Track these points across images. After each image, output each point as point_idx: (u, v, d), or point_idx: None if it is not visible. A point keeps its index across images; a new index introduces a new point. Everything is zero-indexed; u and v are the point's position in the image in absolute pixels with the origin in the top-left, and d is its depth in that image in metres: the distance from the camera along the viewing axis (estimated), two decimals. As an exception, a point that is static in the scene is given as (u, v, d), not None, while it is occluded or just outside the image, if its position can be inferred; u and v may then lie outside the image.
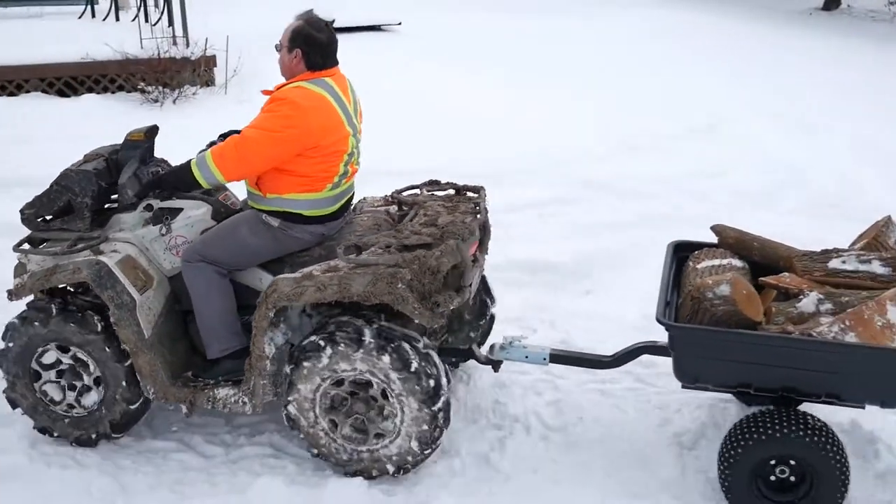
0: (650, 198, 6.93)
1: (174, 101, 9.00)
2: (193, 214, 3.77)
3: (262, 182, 3.66)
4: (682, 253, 3.93)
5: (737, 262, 3.73)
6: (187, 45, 9.62)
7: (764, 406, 3.41)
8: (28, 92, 9.19)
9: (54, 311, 3.66)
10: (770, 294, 3.64)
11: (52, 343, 3.73)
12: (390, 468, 3.62)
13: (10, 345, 3.77)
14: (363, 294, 3.35)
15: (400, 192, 4.05)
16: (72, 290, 3.92)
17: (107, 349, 3.67)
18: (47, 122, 8.19)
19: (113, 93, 9.41)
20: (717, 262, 3.72)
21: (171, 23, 9.85)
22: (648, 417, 4.09)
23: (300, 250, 3.71)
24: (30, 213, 3.76)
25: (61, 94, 9.30)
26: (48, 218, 3.81)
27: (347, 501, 3.49)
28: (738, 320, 3.31)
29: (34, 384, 3.82)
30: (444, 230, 3.57)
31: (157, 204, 3.76)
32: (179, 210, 3.77)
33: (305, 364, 3.51)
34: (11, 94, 9.12)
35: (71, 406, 3.84)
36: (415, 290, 3.36)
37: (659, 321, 3.30)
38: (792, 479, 3.32)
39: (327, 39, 3.61)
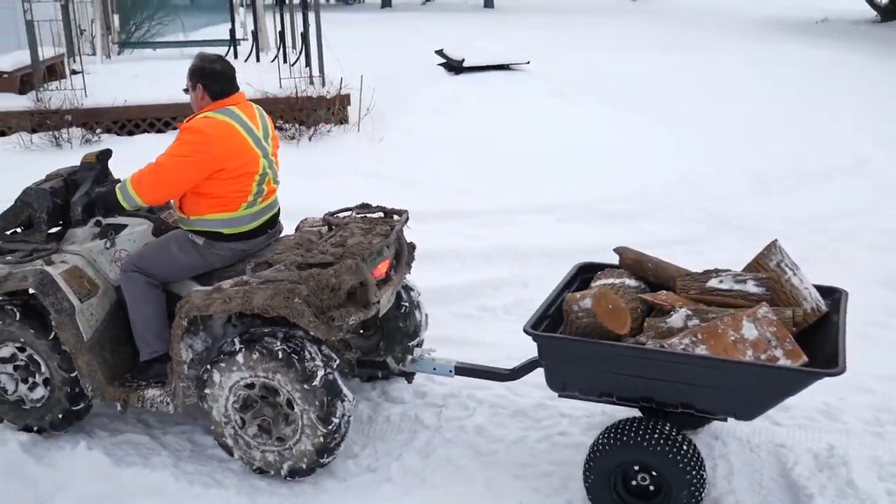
0: (785, 238, 6.99)
1: (310, 139, 9.77)
2: (136, 230, 4.31)
3: (184, 205, 4.18)
4: (587, 274, 4.23)
5: (631, 282, 4.01)
6: (323, 84, 10.36)
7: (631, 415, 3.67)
8: (174, 129, 10.03)
9: (17, 314, 4.23)
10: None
11: (10, 342, 4.29)
12: (284, 471, 4.01)
13: None
14: (263, 307, 3.79)
15: (333, 213, 4.48)
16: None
17: (57, 354, 4.22)
18: None
19: (254, 129, 10.19)
20: (611, 280, 4.01)
21: (308, 63, 10.65)
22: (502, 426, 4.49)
23: (225, 266, 4.18)
24: (-3, 227, 4.36)
25: None
26: (13, 231, 4.40)
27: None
28: (601, 332, 3.60)
29: None
30: (346, 250, 3.98)
31: (104, 220, 4.31)
32: (124, 226, 4.31)
33: (221, 363, 3.95)
34: (160, 131, 10.05)
35: (20, 398, 4.38)
36: (312, 304, 3.77)
37: (525, 331, 3.62)
38: (651, 487, 3.56)
39: (222, 68, 4.15)
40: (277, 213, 4.39)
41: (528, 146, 9.28)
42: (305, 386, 3.81)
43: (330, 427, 3.85)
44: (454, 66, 11.83)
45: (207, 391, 4.04)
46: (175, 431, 4.57)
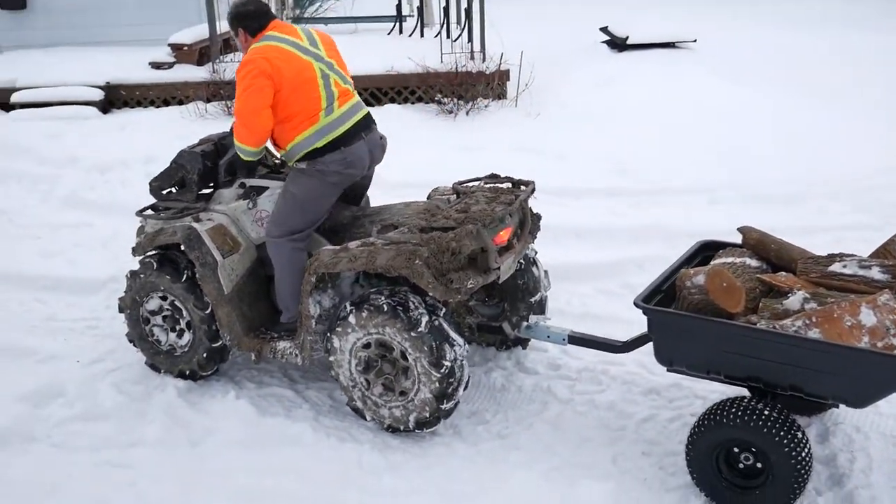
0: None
1: (467, 113, 9.97)
2: (276, 192, 4.63)
3: (278, 141, 4.50)
4: (708, 251, 4.24)
5: (752, 262, 4.00)
6: (483, 59, 10.56)
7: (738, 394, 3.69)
8: None
9: (155, 264, 4.65)
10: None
11: (154, 292, 4.72)
12: (411, 423, 4.24)
13: (128, 292, 4.82)
14: (385, 266, 4.03)
15: (462, 183, 4.66)
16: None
17: (191, 295, 4.62)
18: None
19: (413, 103, 10.59)
20: (732, 259, 4.01)
21: (470, 38, 10.92)
22: (634, 403, 4.58)
23: (343, 192, 4.55)
24: (155, 185, 4.79)
25: (367, 103, 10.58)
26: (168, 190, 4.82)
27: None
28: (712, 309, 3.63)
29: (145, 327, 4.84)
30: (468, 216, 4.15)
31: (248, 182, 4.66)
32: (266, 188, 4.64)
33: (338, 328, 4.23)
34: None
35: (172, 347, 4.81)
36: (431, 266, 3.98)
37: (635, 304, 3.70)
38: (756, 467, 3.57)
39: (254, 8, 4.48)
40: (367, 116, 4.58)
41: (687, 126, 9.12)
42: (413, 334, 4.04)
43: (443, 371, 4.06)
44: (617, 44, 11.73)
45: (332, 359, 4.34)
46: (317, 387, 4.89)
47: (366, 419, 4.40)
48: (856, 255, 3.76)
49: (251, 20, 4.48)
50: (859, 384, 3.36)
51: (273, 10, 12.28)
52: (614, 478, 3.98)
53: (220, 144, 4.80)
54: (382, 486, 3.97)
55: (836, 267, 3.72)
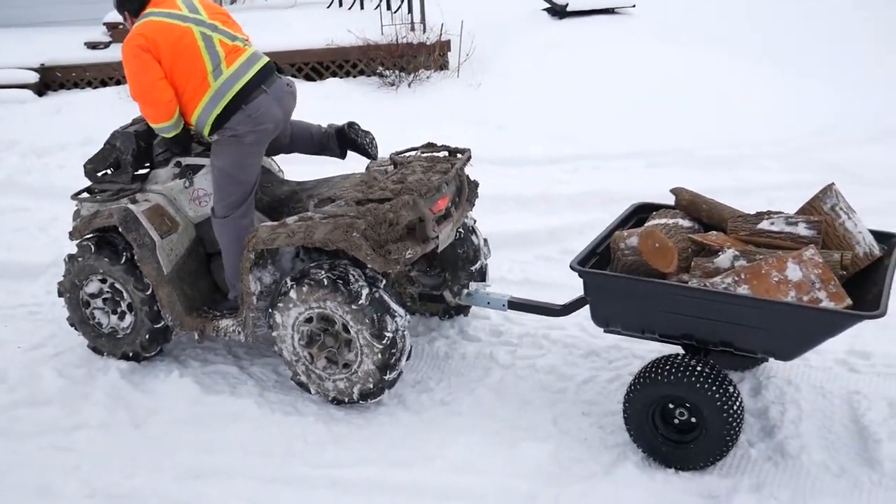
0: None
1: (409, 85, 9.96)
2: (211, 170, 4.59)
3: (185, 118, 4.48)
4: (643, 213, 4.30)
5: (685, 223, 4.07)
6: (424, 30, 10.51)
7: (673, 352, 3.78)
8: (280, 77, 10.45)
9: (93, 247, 4.61)
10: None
11: (93, 275, 4.68)
12: (355, 395, 4.27)
13: (67, 276, 4.77)
14: (323, 240, 4.04)
15: (399, 153, 4.67)
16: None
17: (131, 277, 4.59)
18: (297, 104, 9.28)
19: (354, 77, 10.51)
20: (665, 220, 4.08)
21: (410, 10, 10.85)
22: (574, 365, 4.67)
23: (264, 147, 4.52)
24: (89, 168, 4.74)
25: (308, 77, 10.53)
26: (104, 172, 4.77)
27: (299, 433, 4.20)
28: (646, 270, 3.70)
29: (85, 310, 4.80)
30: (405, 187, 4.17)
31: (184, 161, 4.62)
32: (201, 166, 4.61)
33: (279, 304, 4.23)
34: None
35: (114, 329, 4.78)
36: (369, 238, 4.00)
37: (571, 267, 3.75)
38: (692, 420, 3.66)
39: None
40: (267, 67, 4.48)
41: (627, 92, 9.21)
42: (354, 306, 4.06)
43: (385, 342, 4.09)
44: (558, 11, 11.76)
45: (275, 334, 4.34)
46: (261, 363, 4.90)
47: (311, 393, 4.43)
48: (783, 213, 3.84)
49: (130, 2, 4.48)
50: (786, 337, 3.46)
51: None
52: (555, 438, 4.05)
53: (153, 123, 4.75)
54: (327, 458, 4.01)
55: (764, 224, 3.80)
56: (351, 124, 4.90)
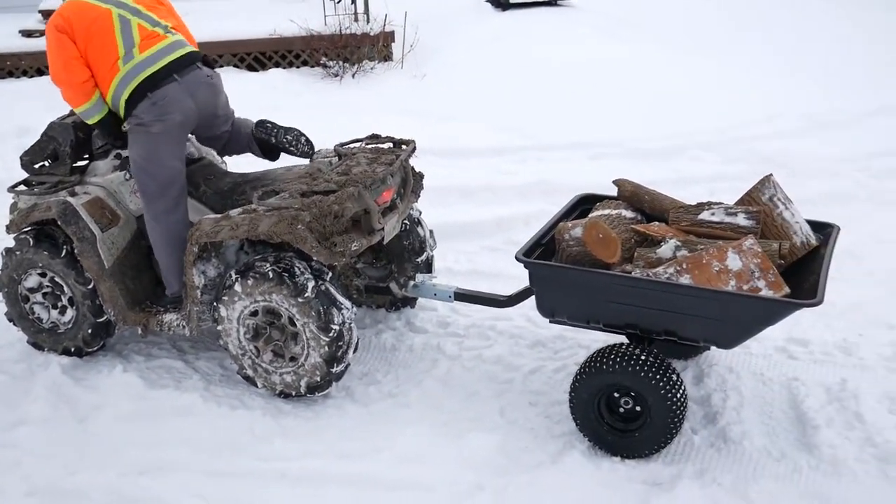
0: (834, 177, 7.01)
1: (353, 76, 9.93)
2: (152, 162, 4.53)
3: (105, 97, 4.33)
4: (587, 205, 4.35)
5: (627, 213, 4.12)
6: (367, 21, 10.48)
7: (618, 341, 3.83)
8: (222, 66, 10.33)
9: (31, 241, 4.52)
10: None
11: (32, 269, 4.60)
12: (302, 388, 4.26)
13: (4, 270, 4.68)
14: (268, 233, 4.01)
15: (343, 144, 4.66)
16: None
17: (72, 271, 4.51)
18: (238, 95, 9.12)
19: (297, 67, 10.45)
20: (608, 211, 4.12)
21: (353, 0, 10.78)
22: (520, 356, 4.72)
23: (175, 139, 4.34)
24: (26, 160, 4.64)
25: (251, 68, 10.41)
26: (41, 165, 4.68)
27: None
28: (590, 260, 3.74)
29: (25, 305, 4.72)
30: (350, 178, 4.16)
31: (124, 153, 4.56)
32: (143, 158, 4.53)
33: (224, 297, 4.20)
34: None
35: (54, 324, 4.70)
36: (314, 230, 3.98)
37: (516, 258, 3.78)
38: (637, 409, 3.72)
39: None
40: (187, 56, 4.33)
41: (569, 84, 9.31)
42: (300, 299, 4.04)
43: (331, 335, 4.08)
44: (501, 3, 11.82)
45: (220, 328, 4.31)
46: (207, 357, 4.87)
47: (257, 386, 4.40)
48: (723, 203, 3.91)
49: None
50: (727, 326, 3.52)
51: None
52: (502, 428, 4.09)
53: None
54: (275, 451, 3.99)
55: (704, 215, 3.87)
56: (260, 123, 4.66)
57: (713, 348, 4.34)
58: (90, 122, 4.40)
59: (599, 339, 4.61)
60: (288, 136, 4.59)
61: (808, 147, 7.71)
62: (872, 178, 7.00)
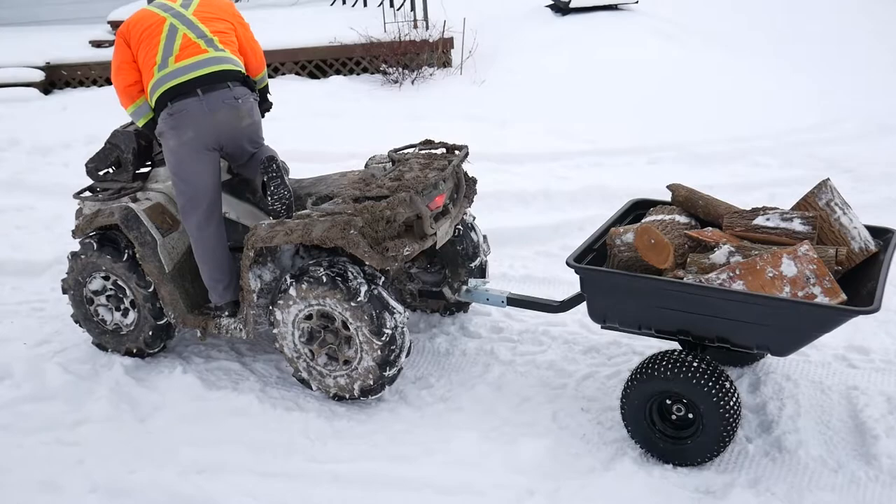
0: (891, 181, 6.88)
1: (412, 82, 10.02)
2: (212, 169, 4.61)
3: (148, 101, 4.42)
4: (640, 210, 4.32)
5: (681, 218, 4.08)
6: (427, 28, 10.57)
7: (670, 347, 3.79)
8: (284, 74, 10.58)
9: (95, 245, 4.64)
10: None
11: (96, 272, 4.71)
12: (356, 392, 4.29)
13: (70, 273, 4.81)
14: (321, 238, 4.06)
15: (397, 150, 4.69)
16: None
17: (133, 274, 4.62)
18: (300, 102, 9.29)
19: (358, 74, 10.60)
20: (661, 216, 4.09)
21: (413, 7, 10.89)
22: (574, 362, 4.69)
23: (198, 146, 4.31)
24: (91, 167, 4.76)
25: (312, 75, 10.60)
26: (105, 171, 4.80)
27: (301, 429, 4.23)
28: (641, 266, 3.71)
29: (89, 307, 4.83)
30: (402, 184, 4.19)
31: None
32: (202, 165, 4.62)
33: (280, 301, 4.26)
34: (269, 76, 10.45)
35: (118, 326, 4.81)
36: (367, 235, 4.02)
37: (567, 263, 3.77)
38: (689, 416, 3.68)
39: None
40: (219, 73, 4.28)
41: (629, 88, 9.25)
42: (353, 303, 4.08)
43: (384, 339, 4.11)
44: (561, 7, 11.78)
45: (276, 331, 4.37)
46: (264, 359, 4.93)
47: (312, 389, 4.45)
48: (778, 209, 3.85)
49: None
50: (781, 333, 3.47)
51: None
52: (553, 434, 4.07)
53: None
54: (327, 453, 4.03)
55: (759, 220, 3.81)
56: (270, 159, 4.31)
57: (770, 356, 4.27)
58: (139, 124, 4.51)
59: (654, 346, 4.57)
60: (275, 194, 4.25)
61: (872, 151, 7.57)
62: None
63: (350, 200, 4.11)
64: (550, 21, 11.70)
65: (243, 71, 4.42)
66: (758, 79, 9.67)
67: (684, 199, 4.16)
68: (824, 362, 4.51)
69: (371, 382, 4.25)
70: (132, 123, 4.75)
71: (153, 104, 4.33)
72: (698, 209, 4.11)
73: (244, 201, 4.64)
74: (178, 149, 4.29)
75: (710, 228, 3.95)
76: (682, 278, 3.60)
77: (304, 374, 4.41)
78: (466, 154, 4.58)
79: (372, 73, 10.38)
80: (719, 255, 3.71)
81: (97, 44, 10.85)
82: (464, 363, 4.79)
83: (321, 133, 8.25)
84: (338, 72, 10.54)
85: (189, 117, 4.20)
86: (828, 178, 3.92)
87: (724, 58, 10.25)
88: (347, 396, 4.35)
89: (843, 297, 3.45)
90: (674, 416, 3.74)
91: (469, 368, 4.72)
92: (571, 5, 11.55)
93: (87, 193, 4.79)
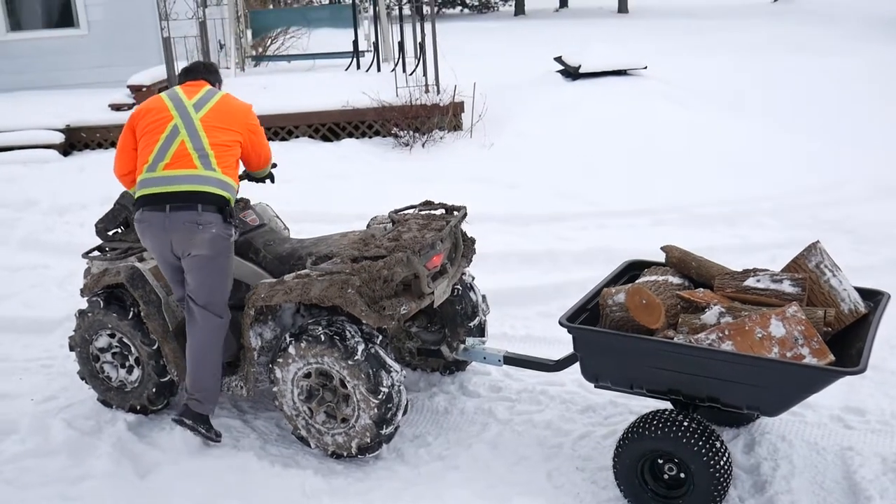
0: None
1: (423, 145, 10.16)
2: (218, 230, 4.68)
3: None
4: (635, 270, 4.36)
5: (675, 279, 4.12)
6: (438, 92, 10.74)
7: (660, 407, 3.80)
8: (297, 137, 10.76)
9: (101, 303, 4.70)
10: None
11: (102, 330, 4.77)
12: (353, 449, 4.31)
13: (77, 331, 4.87)
14: (319, 297, 4.11)
15: (397, 211, 4.76)
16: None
17: (138, 332, 4.67)
18: (312, 164, 9.49)
19: (370, 137, 10.73)
20: (655, 277, 4.13)
21: (424, 72, 11.08)
22: (571, 421, 4.69)
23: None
24: (100, 227, 4.86)
25: (325, 138, 10.76)
26: (114, 231, 4.89)
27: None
28: (633, 326, 3.74)
29: (95, 364, 4.89)
30: (399, 244, 4.25)
31: (191, 221, 4.72)
32: (208, 227, 4.70)
33: (279, 359, 4.31)
34: (283, 139, 10.74)
35: (122, 383, 4.86)
36: (364, 294, 4.07)
37: (560, 323, 3.80)
38: (681, 476, 3.67)
39: (190, 66, 4.71)
40: (194, 194, 4.19)
41: (636, 151, 9.34)
42: (350, 362, 4.11)
43: (381, 397, 4.13)
44: (571, 73, 11.95)
45: (275, 389, 4.40)
46: (265, 417, 4.95)
47: (310, 447, 4.47)
48: (769, 270, 3.88)
49: (181, 77, 4.67)
50: (770, 393, 3.48)
51: (232, 49, 12.68)
52: (548, 493, 4.07)
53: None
54: (323, 510, 4.03)
55: (750, 282, 3.85)
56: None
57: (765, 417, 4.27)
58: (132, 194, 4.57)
59: (650, 405, 4.57)
60: None
61: (874, 212, 7.61)
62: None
63: (348, 260, 4.17)
64: (560, 86, 11.86)
65: (225, 195, 4.29)
66: (763, 141, 9.75)
67: (678, 261, 4.20)
68: (820, 423, 4.49)
69: (368, 440, 4.26)
70: (141, 185, 4.85)
71: (135, 198, 4.39)
72: (691, 270, 4.15)
73: (247, 261, 4.70)
74: (148, 249, 4.44)
75: (702, 289, 3.98)
76: (672, 338, 3.63)
77: (303, 432, 4.43)
78: (465, 215, 4.65)
79: (384, 137, 10.53)
80: (710, 316, 3.74)
81: (116, 107, 11.06)
82: (462, 422, 4.79)
83: (331, 194, 8.39)
84: (350, 135, 10.69)
85: (149, 230, 4.26)
86: (817, 241, 3.96)
87: (729, 120, 10.36)
88: (345, 454, 4.36)
89: (832, 357, 3.47)
90: (665, 476, 3.73)
91: (467, 427, 4.73)
92: (581, 70, 11.70)
93: (96, 253, 4.88)
